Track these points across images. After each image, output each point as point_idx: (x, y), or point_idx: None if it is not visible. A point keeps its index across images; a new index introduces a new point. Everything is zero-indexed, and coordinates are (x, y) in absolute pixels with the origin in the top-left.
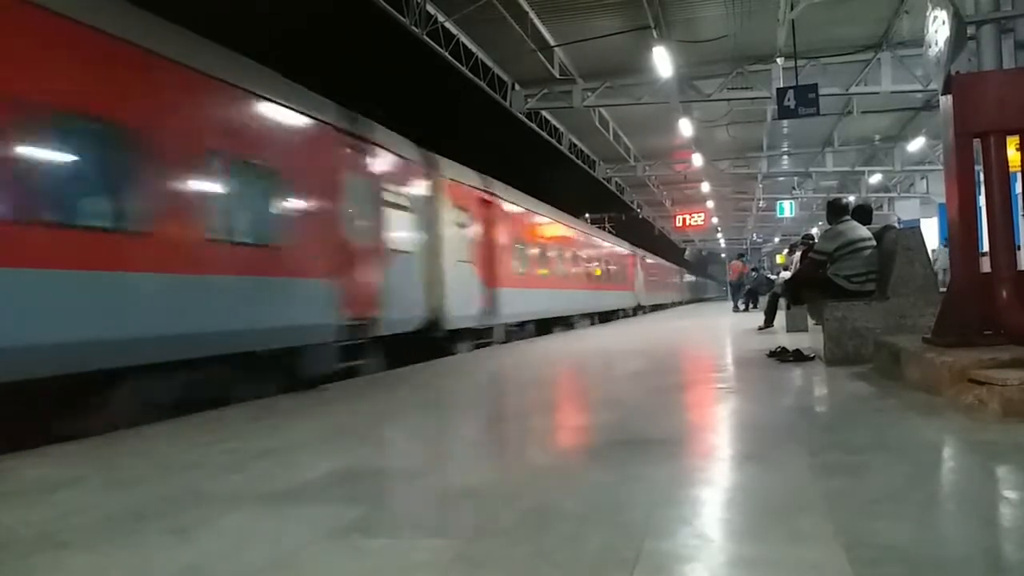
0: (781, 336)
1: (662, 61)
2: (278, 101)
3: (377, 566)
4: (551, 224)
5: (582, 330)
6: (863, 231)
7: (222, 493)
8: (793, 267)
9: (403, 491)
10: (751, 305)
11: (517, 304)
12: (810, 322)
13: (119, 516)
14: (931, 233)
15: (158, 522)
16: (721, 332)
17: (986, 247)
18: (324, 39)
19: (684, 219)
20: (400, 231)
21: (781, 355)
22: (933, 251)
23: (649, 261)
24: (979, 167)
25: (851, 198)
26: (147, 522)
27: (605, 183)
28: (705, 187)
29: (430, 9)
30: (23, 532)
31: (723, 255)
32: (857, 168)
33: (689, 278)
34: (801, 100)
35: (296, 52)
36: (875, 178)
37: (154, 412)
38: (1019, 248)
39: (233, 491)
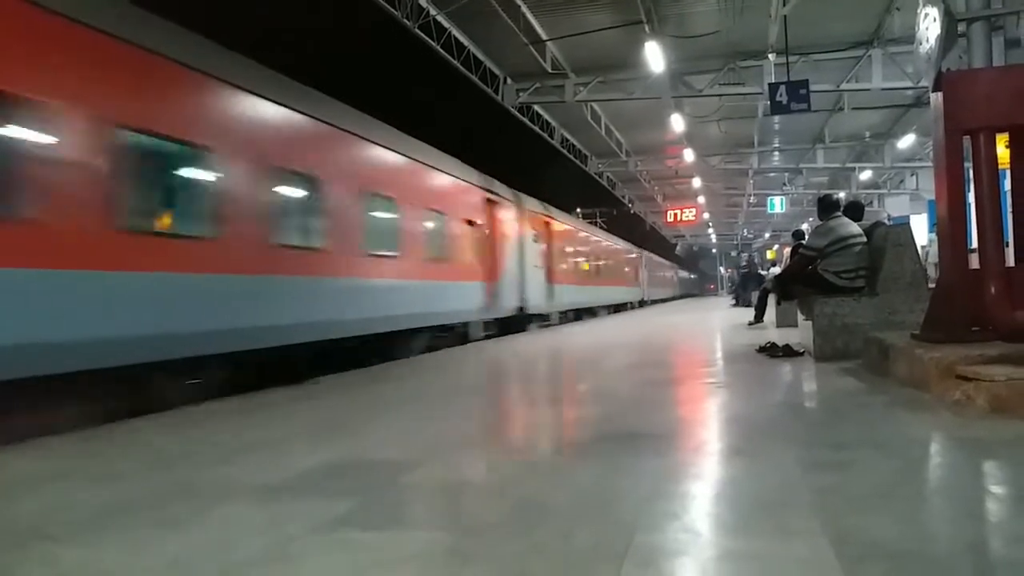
0: (771, 332)
1: (654, 56)
2: (458, 176)
3: (369, 559)
4: (584, 234)
5: (602, 319)
6: (853, 227)
7: (213, 486)
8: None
9: (395, 483)
10: (739, 302)
11: (565, 296)
12: (800, 318)
13: (109, 509)
14: (921, 229)
15: (148, 515)
16: (712, 326)
17: (975, 243)
18: (314, 32)
19: (675, 214)
20: (507, 248)
21: (771, 350)
22: (923, 247)
23: (652, 260)
24: (968, 164)
25: (841, 194)
26: (137, 515)
27: (597, 178)
28: (696, 182)
29: (422, 2)
30: (12, 525)
31: (713, 250)
32: (848, 164)
33: (682, 274)
34: (793, 96)
35: (286, 45)
36: (865, 174)
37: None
38: (1007, 244)
39: (224, 484)
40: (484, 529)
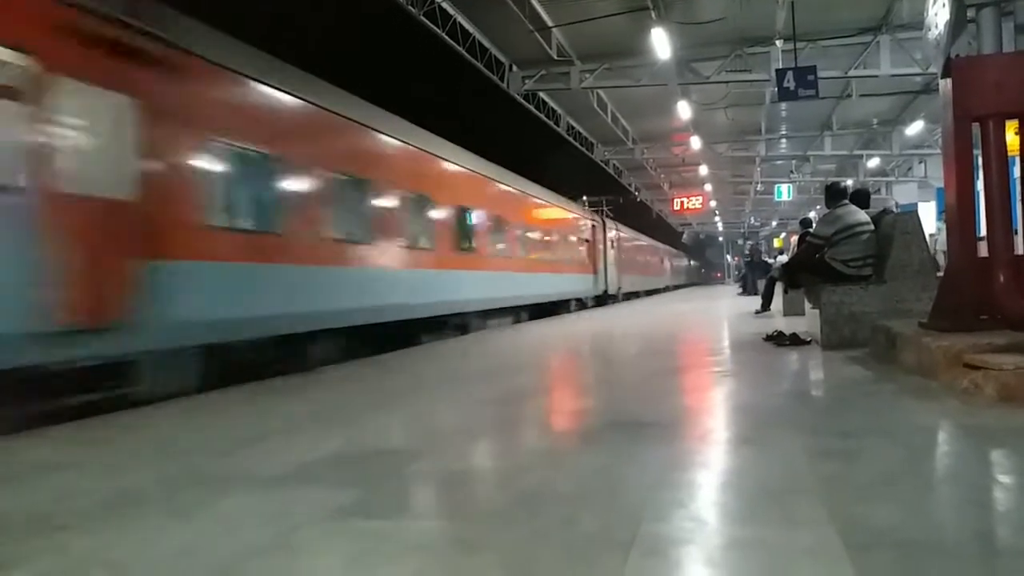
0: (778, 320)
1: (660, 43)
2: None
3: (375, 548)
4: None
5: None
6: (861, 215)
7: (220, 475)
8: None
9: (400, 473)
10: (746, 290)
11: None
12: (807, 306)
13: (117, 499)
14: (929, 217)
15: (155, 505)
16: (719, 315)
17: (984, 231)
18: (317, 20)
19: (682, 202)
20: None
21: (778, 339)
22: (931, 235)
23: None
24: (978, 151)
25: (849, 182)
26: (145, 505)
27: (603, 165)
28: (703, 170)
29: None
30: (21, 515)
31: (720, 238)
32: (855, 152)
33: (682, 260)
34: (800, 82)
35: (285, 34)
36: (873, 162)
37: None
38: (1016, 232)
39: (231, 473)
40: (490, 518)
